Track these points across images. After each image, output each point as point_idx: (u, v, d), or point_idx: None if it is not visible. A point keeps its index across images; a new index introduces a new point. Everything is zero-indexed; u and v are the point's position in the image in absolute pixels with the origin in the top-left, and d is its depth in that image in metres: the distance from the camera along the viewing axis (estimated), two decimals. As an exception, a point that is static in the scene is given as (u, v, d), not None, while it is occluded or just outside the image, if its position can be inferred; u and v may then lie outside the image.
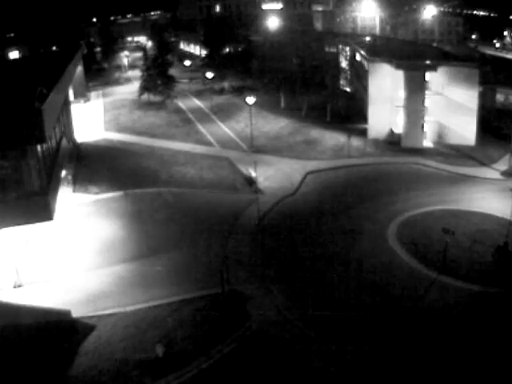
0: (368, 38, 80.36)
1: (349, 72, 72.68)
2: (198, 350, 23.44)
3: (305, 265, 31.64)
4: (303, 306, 27.11)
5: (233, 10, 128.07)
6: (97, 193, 41.81)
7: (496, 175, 45.87)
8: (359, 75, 66.19)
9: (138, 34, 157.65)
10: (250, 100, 53.08)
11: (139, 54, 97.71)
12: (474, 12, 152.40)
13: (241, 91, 74.63)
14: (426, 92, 52.71)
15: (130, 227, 36.52)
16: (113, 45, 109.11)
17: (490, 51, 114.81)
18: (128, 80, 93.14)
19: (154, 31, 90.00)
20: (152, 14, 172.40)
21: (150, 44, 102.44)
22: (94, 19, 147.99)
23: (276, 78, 67.84)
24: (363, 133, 56.30)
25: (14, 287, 29.06)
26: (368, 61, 57.73)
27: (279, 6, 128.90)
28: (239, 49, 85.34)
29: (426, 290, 28.47)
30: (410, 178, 45.23)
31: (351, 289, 28.93)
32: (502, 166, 47.29)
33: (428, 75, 52.88)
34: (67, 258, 32.21)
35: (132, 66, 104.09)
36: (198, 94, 77.99)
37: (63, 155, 37.06)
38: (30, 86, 28.99)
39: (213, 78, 76.29)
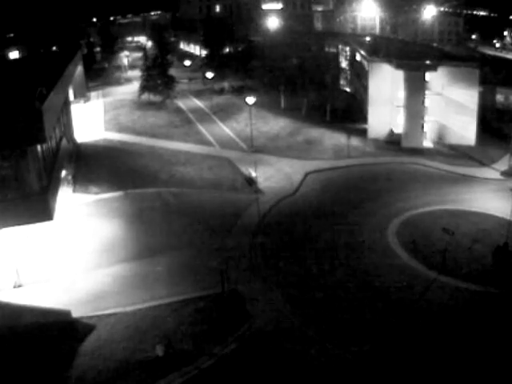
0: (368, 38, 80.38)
1: (349, 72, 72.66)
2: (198, 350, 23.46)
3: (305, 265, 31.65)
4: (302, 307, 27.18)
5: (233, 10, 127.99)
6: (97, 193, 41.80)
7: (496, 175, 45.90)
8: (359, 75, 66.21)
9: (138, 34, 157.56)
10: (250, 100, 53.07)
11: (139, 54, 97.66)
12: (474, 12, 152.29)
13: (241, 91, 74.60)
14: (426, 92, 52.73)
15: (130, 227, 36.51)
16: (113, 45, 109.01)
17: (490, 51, 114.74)
18: (128, 80, 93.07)
19: (154, 31, 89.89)
20: (152, 14, 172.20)
21: (149, 44, 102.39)
22: (94, 19, 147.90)
23: (276, 78, 67.85)
24: (363, 133, 56.33)
25: (14, 287, 29.05)
26: (368, 61, 57.74)
27: (279, 6, 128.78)
28: (239, 49, 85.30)
29: (425, 289, 28.48)
30: (410, 178, 45.24)
31: (351, 289, 28.94)
32: (502, 166, 47.31)
33: (428, 75, 52.89)
34: (67, 258, 32.20)
35: (132, 66, 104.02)
36: (198, 94, 77.97)
37: (63, 155, 37.07)
38: (30, 85, 29.01)
39: (213, 77, 76.29)
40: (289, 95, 67.55)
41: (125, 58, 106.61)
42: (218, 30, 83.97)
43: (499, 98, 61.35)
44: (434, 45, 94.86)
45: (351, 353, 23.46)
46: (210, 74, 75.65)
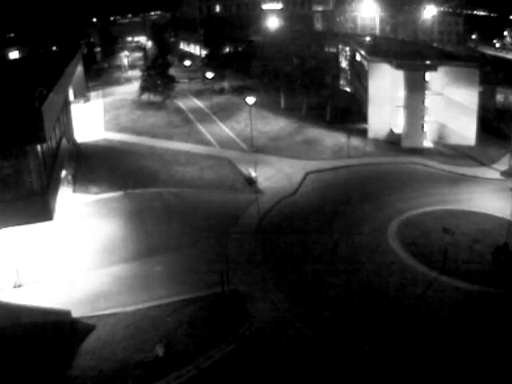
0: (368, 38, 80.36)
1: (349, 72, 72.64)
2: (197, 350, 23.45)
3: (305, 264, 31.63)
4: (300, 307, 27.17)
5: (233, 9, 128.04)
6: (97, 193, 41.82)
7: (496, 175, 45.86)
8: (359, 75, 66.19)
9: (138, 34, 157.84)
10: (250, 100, 53.05)
11: (139, 54, 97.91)
12: (474, 12, 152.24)
13: (241, 91, 74.63)
14: (426, 92, 52.71)
15: (130, 227, 36.52)
16: (113, 45, 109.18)
17: (490, 51, 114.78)
18: (128, 80, 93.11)
19: (154, 31, 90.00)
20: (152, 14, 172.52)
21: (149, 44, 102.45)
22: (94, 19, 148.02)
23: (276, 77, 67.82)
24: (363, 133, 56.32)
25: (14, 287, 29.06)
26: (368, 61, 57.72)
27: (279, 6, 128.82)
28: (239, 49, 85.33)
29: (425, 289, 28.49)
30: (410, 178, 45.23)
31: (351, 289, 28.94)
32: (502, 166, 47.27)
33: (428, 75, 52.87)
34: (67, 258, 32.21)
35: (132, 66, 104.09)
36: (198, 94, 78.00)
37: (63, 155, 37.05)
38: (30, 85, 28.99)
39: (213, 78, 76.31)
40: (289, 95, 67.52)
41: (125, 57, 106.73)
42: (218, 29, 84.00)
43: (499, 97, 61.34)
44: (434, 45, 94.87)
45: (351, 353, 23.47)
46: (210, 74, 75.67)
